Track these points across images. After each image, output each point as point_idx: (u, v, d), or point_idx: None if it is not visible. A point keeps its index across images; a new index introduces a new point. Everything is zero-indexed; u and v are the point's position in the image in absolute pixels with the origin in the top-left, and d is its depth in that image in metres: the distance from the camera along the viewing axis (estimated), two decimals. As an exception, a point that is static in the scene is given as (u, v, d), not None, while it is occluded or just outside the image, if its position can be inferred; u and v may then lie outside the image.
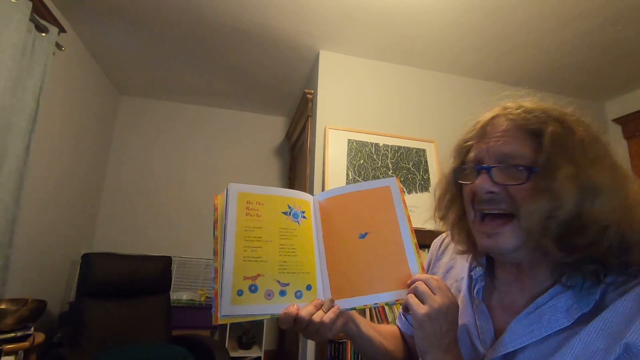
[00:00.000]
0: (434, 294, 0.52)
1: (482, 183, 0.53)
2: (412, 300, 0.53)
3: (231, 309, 0.53)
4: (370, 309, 1.95)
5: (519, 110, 0.54)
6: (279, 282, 0.57)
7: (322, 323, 0.54)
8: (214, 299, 0.54)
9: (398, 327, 0.80)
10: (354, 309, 0.58)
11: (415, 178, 2.36)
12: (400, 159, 2.38)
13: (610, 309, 0.46)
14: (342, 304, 0.58)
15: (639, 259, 0.47)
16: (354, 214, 0.65)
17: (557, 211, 0.47)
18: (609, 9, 1.96)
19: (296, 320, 0.54)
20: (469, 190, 0.57)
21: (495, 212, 0.53)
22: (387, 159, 2.35)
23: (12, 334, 1.51)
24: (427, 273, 0.75)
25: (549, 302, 0.51)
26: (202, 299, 2.78)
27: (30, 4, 1.76)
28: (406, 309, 0.54)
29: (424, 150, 2.44)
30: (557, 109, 0.55)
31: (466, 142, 0.60)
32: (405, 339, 0.77)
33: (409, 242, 0.61)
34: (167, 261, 2.37)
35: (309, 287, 0.59)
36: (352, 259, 0.61)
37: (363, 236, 0.62)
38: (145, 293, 2.23)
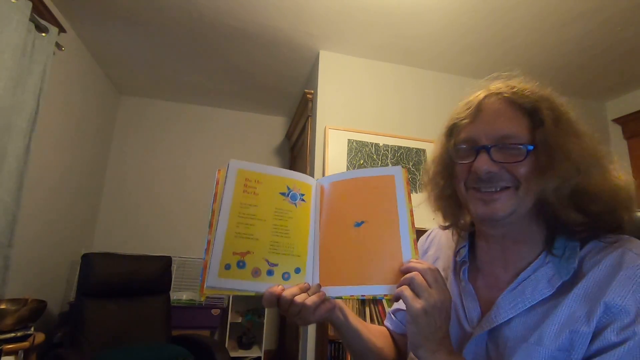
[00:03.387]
0: (431, 288, 0.51)
1: (482, 164, 0.54)
2: (408, 292, 0.51)
3: (217, 280, 0.54)
4: (370, 308, 1.95)
5: (512, 90, 0.56)
6: (267, 261, 0.57)
7: (304, 305, 0.53)
8: (202, 270, 0.54)
9: (387, 327, 0.78)
10: (340, 297, 0.57)
11: (415, 178, 2.36)
12: (400, 159, 2.38)
13: (588, 277, 0.49)
14: (329, 291, 0.57)
15: (620, 218, 0.52)
16: (353, 200, 0.62)
17: (564, 184, 0.50)
18: (609, 9, 1.96)
19: (279, 300, 0.54)
20: (465, 169, 0.57)
21: (493, 190, 0.54)
22: (387, 159, 2.35)
23: (12, 334, 1.51)
24: None
25: (531, 275, 0.53)
26: (202, 299, 2.76)
27: (30, 4, 1.76)
28: (397, 299, 0.52)
29: (423, 150, 2.44)
30: (541, 89, 0.57)
31: (460, 121, 0.59)
32: (395, 340, 0.75)
33: (407, 237, 0.58)
34: (167, 261, 2.37)
35: (297, 270, 0.58)
36: (344, 247, 0.60)
37: (358, 225, 0.60)
38: (145, 293, 2.23)
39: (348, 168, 2.26)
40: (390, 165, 2.34)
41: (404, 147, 2.40)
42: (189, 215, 3.24)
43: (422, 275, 0.52)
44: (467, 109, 0.58)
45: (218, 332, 2.84)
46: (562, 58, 2.43)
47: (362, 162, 2.29)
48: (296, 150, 3.16)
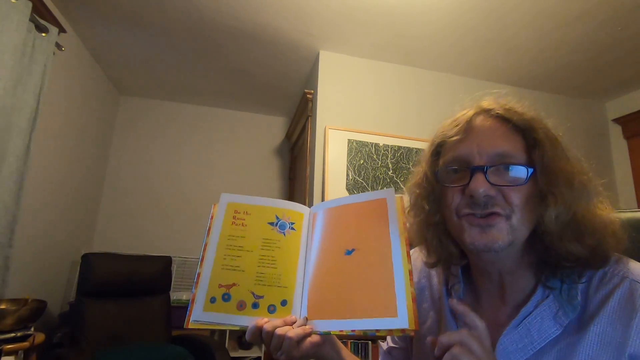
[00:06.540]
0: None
1: (479, 185, 0.47)
2: None
3: (202, 315, 0.53)
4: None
5: (504, 107, 0.51)
6: (253, 293, 0.55)
7: (285, 337, 0.50)
8: (190, 303, 0.54)
9: None
10: (329, 333, 0.53)
11: (415, 178, 2.36)
12: (400, 159, 2.38)
13: (601, 316, 0.44)
14: (317, 325, 0.53)
15: (608, 254, 0.47)
16: (344, 227, 0.59)
17: (566, 211, 0.46)
18: (609, 9, 1.96)
19: (262, 333, 0.51)
20: (456, 192, 0.51)
21: (488, 213, 0.48)
22: (387, 159, 2.35)
23: (12, 334, 1.51)
24: None
25: (533, 311, 0.48)
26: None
27: (30, 4, 1.76)
28: None
29: (423, 150, 2.43)
30: (531, 110, 0.52)
31: (448, 138, 0.53)
32: None
33: (400, 266, 0.52)
34: (167, 261, 2.37)
35: (284, 302, 0.55)
36: (334, 277, 0.55)
37: (349, 253, 0.56)
38: (145, 293, 2.23)
39: (348, 168, 2.26)
40: (390, 166, 2.34)
41: (404, 147, 2.40)
42: (189, 215, 3.23)
43: (461, 347, 0.41)
44: (456, 125, 0.52)
45: (218, 332, 2.84)
46: (562, 58, 2.43)
47: (362, 162, 2.29)
48: (296, 150, 3.16)
